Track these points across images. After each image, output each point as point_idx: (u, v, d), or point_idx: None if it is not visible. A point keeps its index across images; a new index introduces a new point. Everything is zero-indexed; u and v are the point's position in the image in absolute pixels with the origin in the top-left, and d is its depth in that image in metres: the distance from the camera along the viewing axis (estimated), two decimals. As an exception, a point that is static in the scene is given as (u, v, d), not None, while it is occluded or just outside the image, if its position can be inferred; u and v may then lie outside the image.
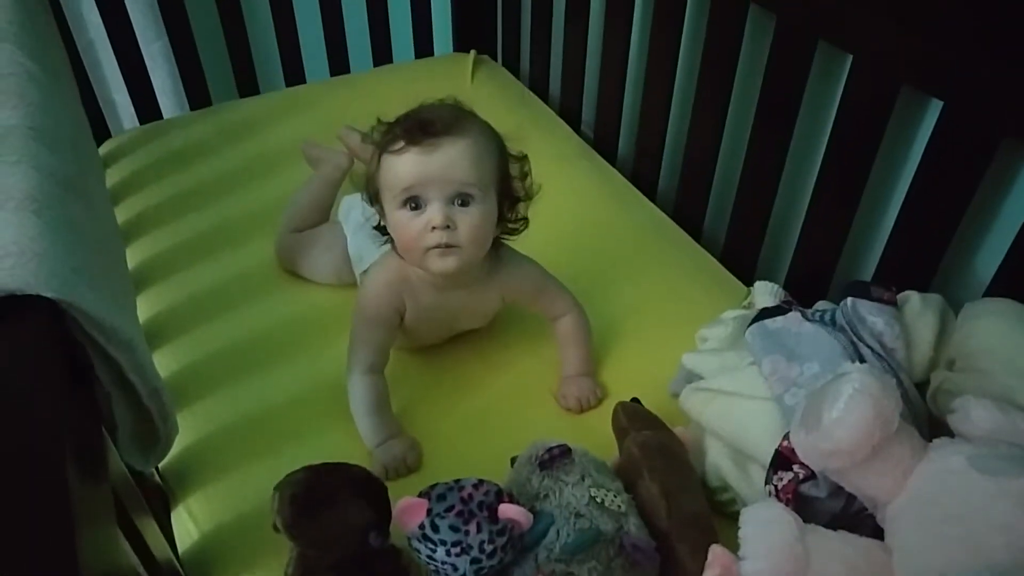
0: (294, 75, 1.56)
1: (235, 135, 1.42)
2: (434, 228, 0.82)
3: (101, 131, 1.45)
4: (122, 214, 1.27)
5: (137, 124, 1.49)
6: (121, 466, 0.76)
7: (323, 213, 1.16)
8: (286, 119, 1.46)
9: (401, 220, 0.84)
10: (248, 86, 1.54)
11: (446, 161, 0.81)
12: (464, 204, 0.83)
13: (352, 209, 1.08)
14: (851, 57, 0.95)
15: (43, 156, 0.72)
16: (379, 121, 0.87)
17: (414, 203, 0.83)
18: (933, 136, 0.88)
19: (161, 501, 0.92)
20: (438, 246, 0.83)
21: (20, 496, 0.49)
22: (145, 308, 1.11)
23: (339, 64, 1.58)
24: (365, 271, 1.02)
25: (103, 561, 0.53)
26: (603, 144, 1.42)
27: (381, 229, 0.91)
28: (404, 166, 0.82)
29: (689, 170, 1.25)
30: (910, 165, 0.93)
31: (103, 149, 1.42)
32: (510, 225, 0.90)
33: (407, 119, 0.83)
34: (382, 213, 0.88)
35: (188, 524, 0.88)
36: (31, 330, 0.59)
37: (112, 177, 1.35)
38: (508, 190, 0.88)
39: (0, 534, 0.47)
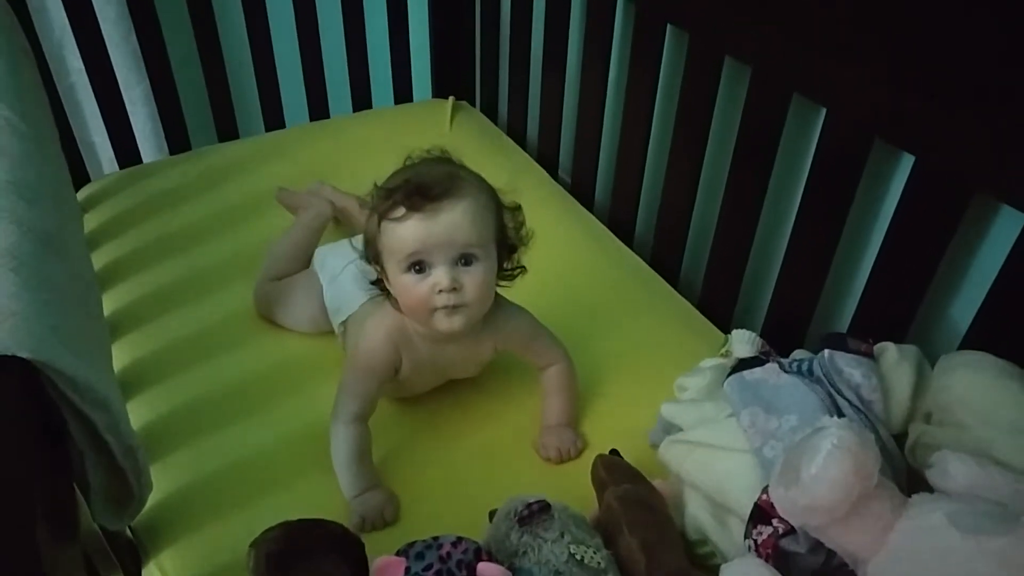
0: (273, 119, 1.57)
1: (214, 180, 1.42)
2: (441, 291, 0.83)
3: (80, 174, 1.44)
4: (99, 260, 1.26)
5: (116, 167, 1.49)
6: (92, 524, 0.75)
7: (302, 261, 1.16)
8: (266, 164, 1.46)
9: (407, 284, 0.84)
10: (228, 130, 1.54)
11: (449, 225, 0.82)
12: (468, 263, 0.84)
13: (327, 258, 1.08)
14: (824, 110, 0.98)
15: (22, 210, 0.72)
16: (376, 186, 0.87)
17: (419, 267, 0.84)
18: (906, 189, 0.90)
19: (132, 558, 0.90)
20: (445, 307, 0.84)
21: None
22: (121, 356, 1.09)
23: (319, 108, 1.59)
24: (344, 321, 1.02)
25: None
26: (580, 190, 1.44)
27: (377, 283, 0.91)
28: (407, 232, 0.82)
29: (666, 217, 1.27)
30: (884, 216, 0.95)
31: (82, 194, 1.41)
32: (507, 273, 0.91)
33: (406, 184, 0.83)
34: (384, 275, 0.88)
35: (162, 578, 0.86)
36: (3, 390, 0.58)
37: (90, 222, 1.34)
38: (505, 240, 0.89)
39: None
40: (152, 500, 0.89)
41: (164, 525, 0.90)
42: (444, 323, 0.85)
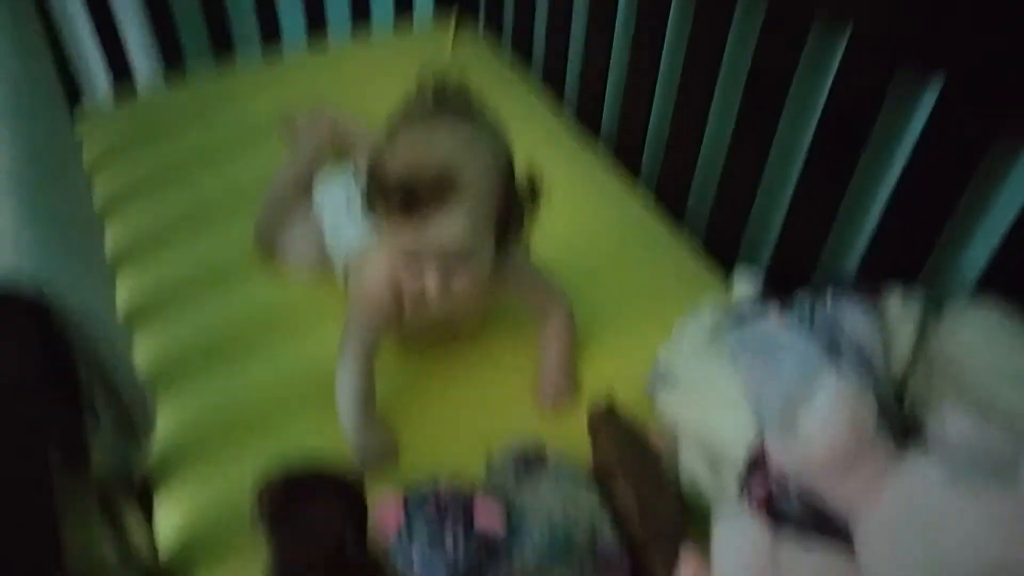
0: (270, 33, 1.52)
1: (212, 111, 1.38)
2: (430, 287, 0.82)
3: (75, 104, 1.41)
4: (97, 193, 1.24)
5: (111, 92, 1.45)
6: (103, 458, 0.77)
7: (302, 196, 1.14)
8: (264, 94, 1.42)
9: (399, 263, 0.83)
10: (223, 45, 1.49)
11: (437, 237, 0.79)
12: (460, 260, 0.81)
13: (327, 195, 1.06)
14: (847, 34, 0.92)
15: (18, 128, 0.70)
16: (371, 167, 0.81)
17: (411, 258, 0.82)
18: (929, 120, 0.86)
19: (143, 491, 0.93)
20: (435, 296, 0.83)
21: (3, 486, 0.49)
22: (122, 290, 1.09)
23: (317, 21, 1.53)
24: (345, 259, 1.01)
25: (87, 551, 0.54)
26: (586, 118, 1.39)
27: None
28: (397, 236, 0.80)
29: (674, 148, 1.23)
30: (903, 150, 0.91)
31: (77, 126, 1.38)
32: (511, 238, 0.87)
33: (395, 186, 0.77)
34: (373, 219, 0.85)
35: (170, 516, 0.88)
36: (11, 320, 0.58)
37: (87, 154, 1.32)
38: (510, 212, 0.84)
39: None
40: (160, 435, 0.92)
41: (172, 461, 0.92)
42: (434, 302, 0.85)
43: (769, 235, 1.12)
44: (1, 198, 0.63)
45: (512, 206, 0.84)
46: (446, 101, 0.84)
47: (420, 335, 0.99)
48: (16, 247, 0.59)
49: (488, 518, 0.70)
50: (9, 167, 0.65)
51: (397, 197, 0.77)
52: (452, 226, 0.78)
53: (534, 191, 0.85)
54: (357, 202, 0.88)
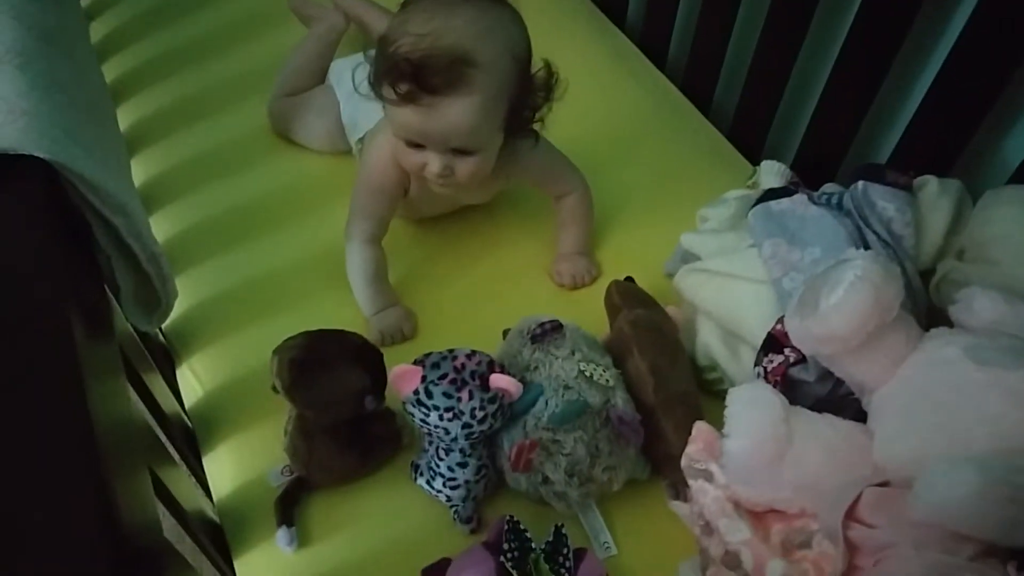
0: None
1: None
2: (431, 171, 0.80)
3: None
4: (109, 73, 1.22)
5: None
6: (126, 325, 0.78)
7: (317, 76, 1.11)
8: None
9: (401, 148, 0.82)
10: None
11: (445, 124, 0.76)
12: (464, 152, 0.80)
13: (344, 74, 1.03)
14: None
15: (24, 5, 0.69)
16: (384, 40, 0.78)
17: (413, 143, 0.80)
18: (973, 11, 0.82)
19: (167, 360, 0.95)
20: (436, 180, 0.82)
21: (29, 349, 0.51)
22: (139, 171, 1.09)
23: None
24: (361, 138, 1.00)
25: (113, 411, 0.55)
26: (612, 6, 1.35)
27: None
28: (402, 117, 0.77)
29: (702, 37, 1.18)
30: (948, 37, 0.87)
31: (85, 1, 1.35)
32: (523, 128, 0.85)
33: (406, 62, 0.74)
34: (379, 97, 0.82)
35: (192, 382, 0.91)
36: (26, 190, 0.58)
37: (96, 31, 1.29)
38: (522, 104, 0.81)
39: (13, 387, 0.49)
40: (180, 307, 0.93)
41: (192, 331, 0.94)
42: (436, 187, 0.84)
43: (796, 131, 1.09)
44: (10, 71, 0.62)
45: (526, 96, 0.81)
46: None
47: (427, 212, 0.99)
48: (26, 115, 0.59)
49: (503, 382, 0.71)
50: (16, 44, 0.64)
51: (408, 77, 0.74)
52: (462, 113, 0.75)
53: (549, 81, 0.82)
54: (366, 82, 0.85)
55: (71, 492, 0.44)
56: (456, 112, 0.75)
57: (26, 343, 0.51)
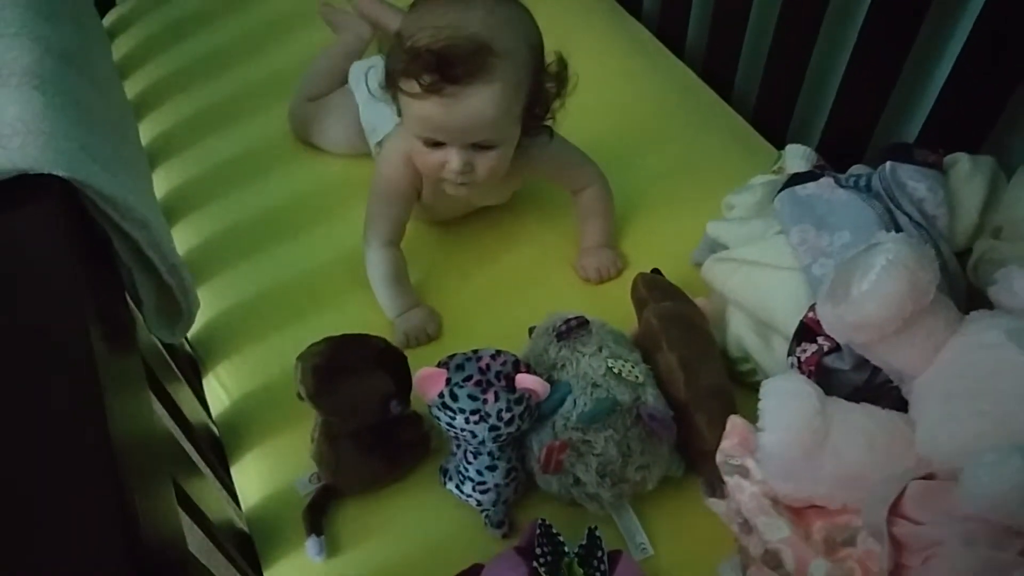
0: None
1: (242, 0, 1.35)
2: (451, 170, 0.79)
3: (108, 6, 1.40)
4: (131, 88, 1.24)
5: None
6: (150, 336, 0.78)
7: (339, 81, 1.11)
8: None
9: (418, 148, 0.81)
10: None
11: (469, 115, 0.75)
12: (484, 148, 0.79)
13: (363, 78, 1.03)
14: None
15: (42, 27, 0.70)
16: (400, 36, 0.77)
17: (432, 141, 0.79)
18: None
19: (193, 369, 0.95)
20: (454, 180, 0.81)
21: (48, 365, 0.50)
22: (161, 183, 1.10)
23: None
24: (380, 142, 0.99)
25: (134, 424, 0.55)
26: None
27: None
28: (423, 111, 0.76)
29: (720, 22, 1.16)
30: (968, 16, 0.84)
31: (107, 20, 1.37)
32: (537, 123, 0.84)
33: (427, 53, 0.73)
34: (397, 105, 0.82)
35: (218, 391, 0.91)
36: (45, 208, 0.59)
37: (118, 50, 1.32)
38: (537, 96, 0.81)
39: (33, 402, 0.48)
40: (205, 317, 0.93)
41: (218, 340, 0.94)
42: (451, 189, 0.83)
43: (821, 110, 1.06)
44: (28, 92, 0.62)
45: (541, 90, 0.81)
46: None
47: (443, 215, 0.98)
48: (44, 135, 0.59)
49: (529, 382, 0.69)
50: (35, 66, 0.65)
51: (431, 67, 0.73)
52: (485, 102, 0.74)
53: (562, 74, 0.81)
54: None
55: (91, 507, 0.44)
56: (479, 101, 0.75)
57: (45, 359, 0.51)
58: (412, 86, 0.75)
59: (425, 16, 0.76)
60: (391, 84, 0.79)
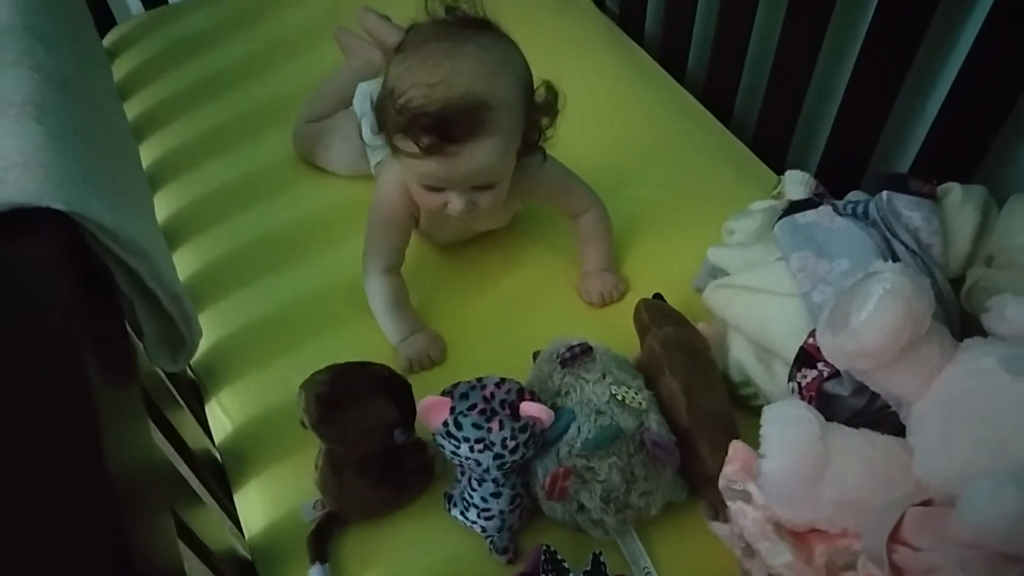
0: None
1: (245, 20, 1.37)
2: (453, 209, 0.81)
3: (106, 19, 1.40)
4: (132, 109, 1.24)
5: (143, 9, 1.43)
6: (151, 365, 0.78)
7: (345, 103, 1.12)
8: (298, 3, 1.39)
9: (419, 191, 0.82)
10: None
11: (469, 168, 0.77)
12: (485, 187, 0.80)
13: (366, 99, 1.03)
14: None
15: (41, 56, 0.69)
16: (392, 94, 0.77)
17: (433, 188, 0.80)
18: (988, 15, 0.81)
19: (195, 395, 0.95)
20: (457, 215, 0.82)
21: (45, 398, 0.50)
22: (163, 207, 1.10)
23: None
24: (379, 163, 1.00)
25: (132, 456, 0.55)
26: (629, 21, 1.34)
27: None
28: (422, 168, 0.78)
29: (720, 49, 1.18)
30: (961, 47, 0.86)
31: (108, 39, 1.38)
32: (532, 147, 0.85)
33: (424, 117, 0.73)
34: (392, 148, 0.82)
35: (222, 418, 0.91)
36: (44, 242, 0.59)
37: (119, 70, 1.32)
38: (532, 124, 0.82)
39: (29, 437, 0.48)
40: (208, 342, 0.93)
41: (221, 366, 0.94)
42: (454, 220, 0.84)
43: (820, 136, 1.08)
44: (27, 123, 0.62)
45: (533, 120, 0.82)
46: (462, 20, 0.79)
47: (444, 238, 0.99)
48: (43, 168, 0.59)
49: (534, 410, 0.70)
50: (34, 95, 0.64)
51: (429, 131, 0.73)
52: (486, 155, 0.76)
53: (552, 100, 0.83)
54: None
55: (87, 542, 0.44)
56: (480, 155, 0.76)
57: (42, 393, 0.51)
58: (410, 146, 0.76)
59: (415, 69, 0.75)
60: (385, 135, 0.81)
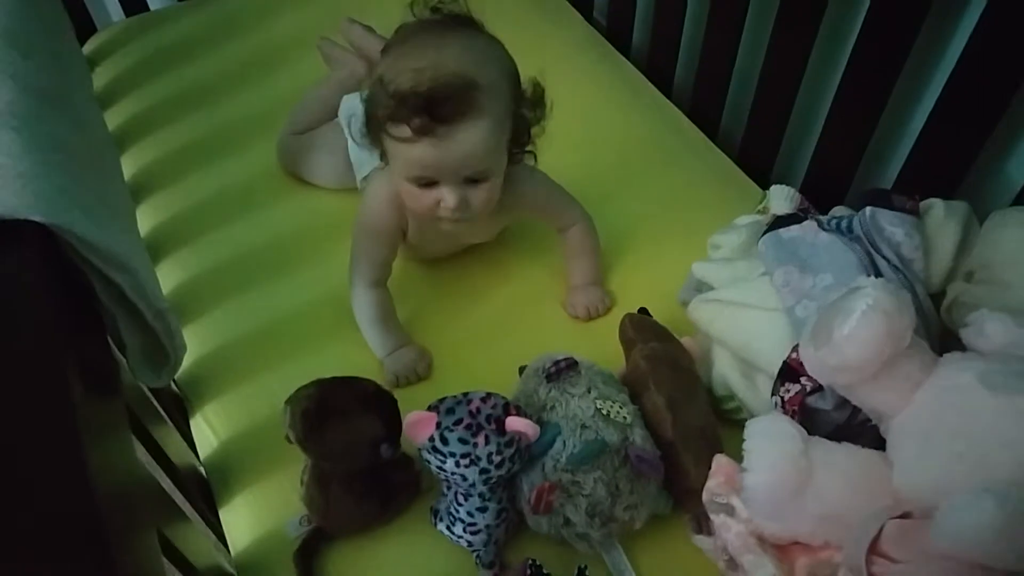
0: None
1: (228, 29, 1.36)
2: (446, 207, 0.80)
3: (86, 26, 1.37)
4: (113, 119, 1.23)
5: (123, 15, 1.42)
6: (135, 380, 0.78)
7: (329, 116, 1.12)
8: (282, 12, 1.38)
9: (411, 190, 0.81)
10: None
11: (461, 151, 0.76)
12: (477, 181, 0.80)
13: (353, 112, 1.04)
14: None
15: (18, 64, 0.68)
16: (381, 82, 0.77)
17: (425, 181, 0.80)
18: (973, 32, 0.82)
19: (180, 410, 0.95)
20: (449, 217, 0.81)
21: (27, 415, 0.50)
22: (145, 219, 1.09)
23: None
24: (366, 177, 1.00)
25: (115, 474, 0.54)
26: (616, 35, 1.35)
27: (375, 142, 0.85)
28: (415, 154, 0.77)
29: (707, 64, 1.19)
30: (945, 65, 0.87)
31: (88, 47, 1.35)
32: (519, 153, 0.86)
33: (413, 96, 0.74)
34: (385, 157, 0.83)
35: (206, 432, 0.90)
36: (22, 255, 0.58)
37: (100, 78, 1.30)
38: (519, 124, 0.83)
39: (10, 454, 0.48)
40: (193, 357, 0.93)
41: (206, 381, 0.93)
42: (447, 225, 0.84)
43: (805, 151, 1.09)
44: (6, 133, 0.61)
45: (521, 117, 0.82)
46: (448, 18, 0.81)
47: (430, 254, 0.99)
48: (21, 178, 0.58)
49: (519, 424, 0.70)
50: (13, 105, 0.63)
51: (420, 110, 0.73)
52: (477, 137, 0.76)
53: (539, 100, 0.83)
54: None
55: (71, 558, 0.43)
56: (471, 137, 0.76)
57: (23, 409, 0.51)
58: (402, 131, 0.76)
59: (402, 59, 0.77)
60: (375, 129, 0.80)
